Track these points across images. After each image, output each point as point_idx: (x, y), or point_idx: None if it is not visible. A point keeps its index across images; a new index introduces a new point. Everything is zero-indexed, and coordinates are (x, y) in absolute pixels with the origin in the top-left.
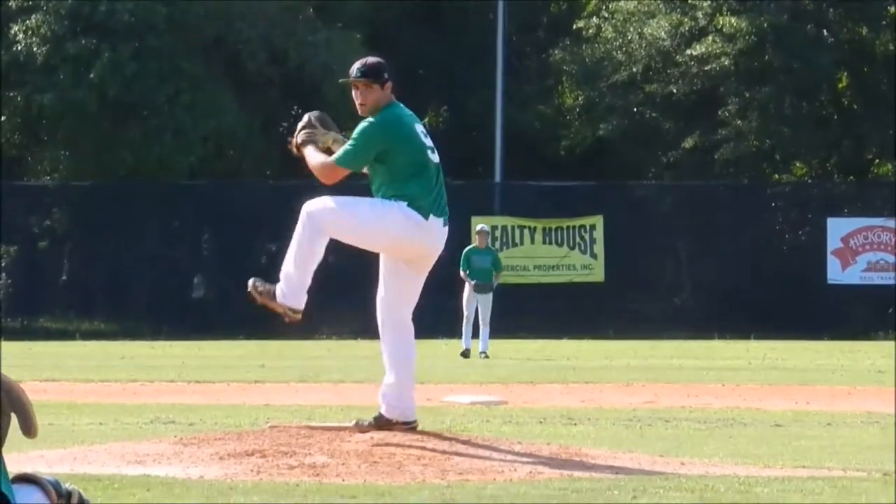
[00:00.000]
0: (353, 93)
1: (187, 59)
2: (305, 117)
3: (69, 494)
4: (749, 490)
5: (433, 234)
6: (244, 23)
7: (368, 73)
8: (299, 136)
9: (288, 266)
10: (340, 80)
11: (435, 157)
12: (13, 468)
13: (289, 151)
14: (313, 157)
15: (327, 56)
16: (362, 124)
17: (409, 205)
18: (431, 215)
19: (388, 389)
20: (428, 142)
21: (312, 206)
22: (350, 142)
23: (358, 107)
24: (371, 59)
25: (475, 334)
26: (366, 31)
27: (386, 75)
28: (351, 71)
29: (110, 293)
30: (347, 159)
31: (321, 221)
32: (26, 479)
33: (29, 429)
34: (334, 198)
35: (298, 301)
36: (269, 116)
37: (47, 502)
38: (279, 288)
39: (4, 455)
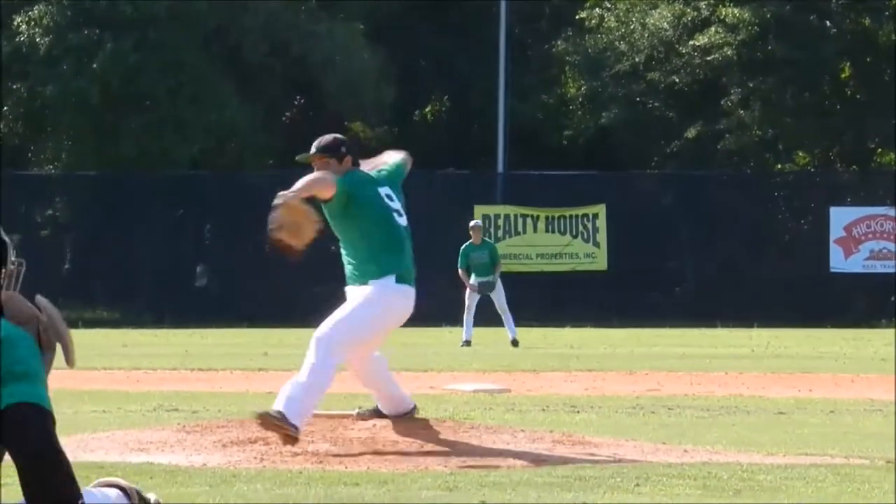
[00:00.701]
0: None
1: (189, 50)
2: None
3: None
4: (752, 477)
5: (412, 301)
6: (246, 14)
7: (325, 149)
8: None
9: (296, 390)
10: (298, 158)
11: (402, 221)
12: None
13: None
14: (294, 186)
15: (329, 48)
16: (348, 176)
17: (396, 280)
18: (408, 286)
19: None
20: (395, 205)
21: (320, 332)
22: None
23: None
24: (327, 137)
25: (491, 323)
26: (368, 22)
27: (344, 149)
28: (310, 151)
29: (113, 282)
30: (342, 182)
31: (330, 341)
32: (109, 484)
33: (70, 359)
34: (335, 317)
35: (300, 424)
36: (271, 108)
37: (127, 502)
38: (281, 410)
39: None
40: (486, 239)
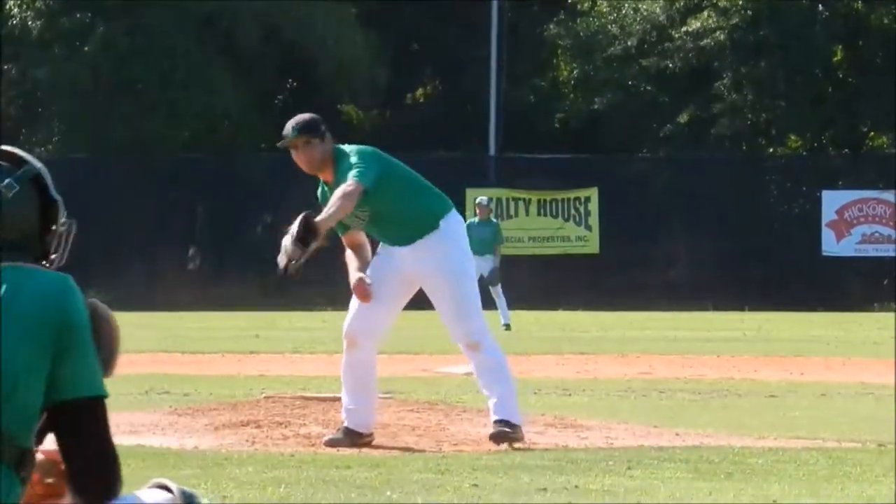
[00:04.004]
0: (294, 155)
1: (181, 34)
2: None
3: None
4: (743, 461)
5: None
6: None
7: (305, 129)
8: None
9: (500, 392)
10: (279, 144)
11: None
12: None
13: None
14: (331, 208)
15: (322, 31)
16: (352, 155)
17: (452, 211)
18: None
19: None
20: None
21: (465, 338)
22: (349, 167)
23: (304, 166)
24: (303, 116)
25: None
26: (360, 5)
27: (323, 127)
28: (286, 132)
29: (105, 264)
30: (365, 176)
31: (475, 335)
32: (160, 486)
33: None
34: (456, 311)
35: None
36: (264, 91)
37: None
38: (505, 419)
39: None
40: (493, 219)
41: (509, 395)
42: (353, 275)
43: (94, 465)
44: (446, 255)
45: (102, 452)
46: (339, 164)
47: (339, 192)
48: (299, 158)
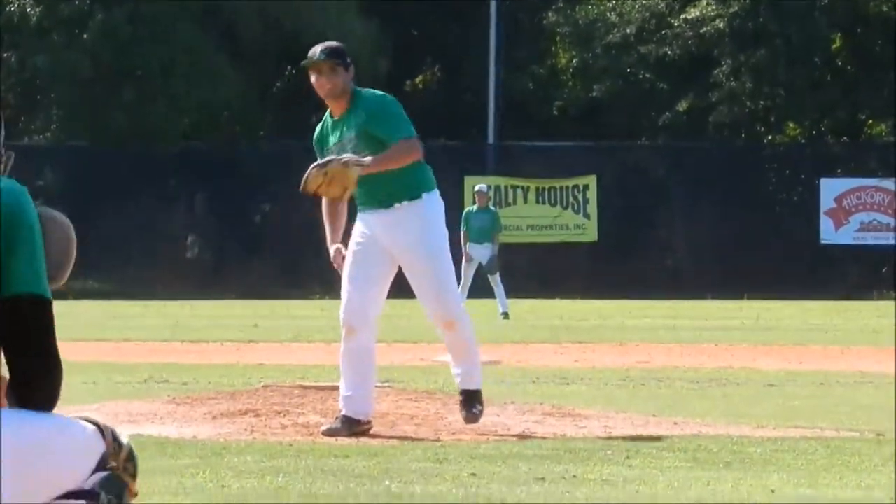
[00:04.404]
0: (316, 78)
1: (182, 24)
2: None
3: (121, 445)
4: (742, 450)
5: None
6: None
7: (334, 54)
8: (336, 164)
9: (469, 366)
10: (303, 63)
11: None
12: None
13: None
14: (387, 155)
15: (323, 23)
16: (383, 105)
17: (435, 190)
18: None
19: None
20: None
21: (442, 316)
22: (392, 119)
23: (325, 90)
24: (332, 42)
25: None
26: None
27: (349, 59)
28: (313, 54)
29: (104, 253)
30: (411, 128)
31: (452, 314)
32: (85, 419)
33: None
34: (433, 289)
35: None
36: (264, 82)
37: (101, 442)
38: (472, 389)
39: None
40: (492, 207)
41: (475, 367)
42: (331, 245)
43: (35, 370)
44: (424, 230)
45: (44, 356)
46: (357, 102)
47: (404, 145)
48: (321, 83)
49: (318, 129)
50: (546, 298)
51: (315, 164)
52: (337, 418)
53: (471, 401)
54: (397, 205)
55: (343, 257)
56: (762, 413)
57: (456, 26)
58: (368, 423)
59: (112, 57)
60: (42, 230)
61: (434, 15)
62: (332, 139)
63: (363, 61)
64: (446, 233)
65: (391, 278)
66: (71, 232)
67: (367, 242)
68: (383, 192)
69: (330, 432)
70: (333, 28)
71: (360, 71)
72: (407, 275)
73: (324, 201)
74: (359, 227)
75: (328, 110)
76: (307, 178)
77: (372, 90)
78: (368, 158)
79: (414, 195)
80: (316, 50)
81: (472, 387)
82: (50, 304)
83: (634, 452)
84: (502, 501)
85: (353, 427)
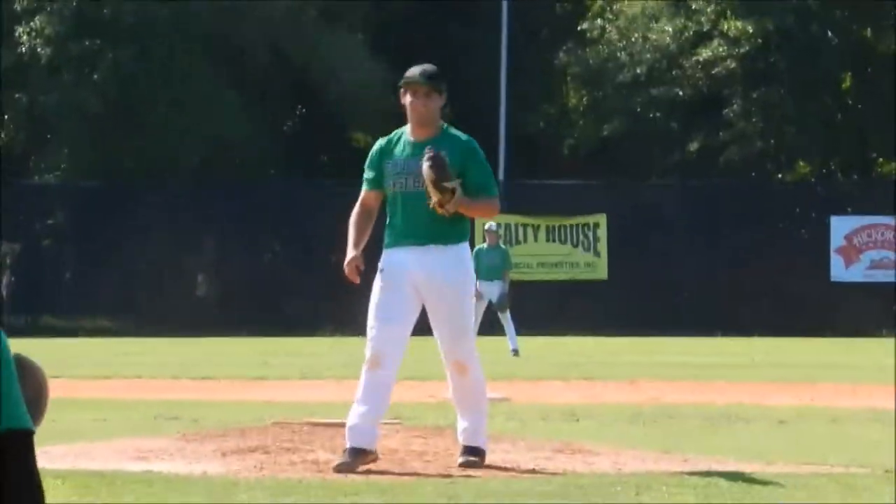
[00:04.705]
0: (411, 100)
1: (191, 60)
2: (434, 161)
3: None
4: (752, 487)
5: None
6: (248, 24)
7: (434, 78)
8: (458, 188)
9: (479, 420)
10: (402, 83)
11: None
12: None
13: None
14: (476, 204)
15: (331, 58)
16: (477, 151)
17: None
18: None
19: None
20: None
21: (458, 355)
22: (486, 170)
23: (418, 113)
24: (431, 66)
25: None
26: (370, 33)
27: (445, 86)
28: (412, 75)
29: (114, 291)
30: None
31: (471, 357)
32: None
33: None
34: (456, 328)
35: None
36: (273, 117)
37: None
38: (480, 448)
39: None
40: (501, 244)
41: (480, 422)
42: (350, 251)
43: (20, 499)
44: (456, 273)
45: (28, 487)
46: (446, 135)
47: (495, 203)
48: (415, 105)
49: (384, 140)
50: (556, 336)
51: (455, 182)
52: (345, 452)
53: (472, 454)
54: (432, 246)
55: (358, 268)
56: (773, 450)
57: (466, 64)
58: (374, 452)
59: (121, 94)
60: (19, 376)
61: (444, 52)
62: (403, 156)
63: (372, 98)
64: (475, 280)
65: (417, 315)
66: (44, 376)
67: (398, 278)
68: (423, 231)
69: (342, 468)
70: (343, 64)
71: (368, 108)
72: (430, 313)
73: (358, 207)
74: (389, 261)
75: (404, 128)
76: (443, 189)
77: (457, 129)
78: (465, 199)
79: (449, 241)
80: (415, 71)
81: (476, 443)
82: (32, 434)
83: (645, 489)
84: None
85: (361, 458)
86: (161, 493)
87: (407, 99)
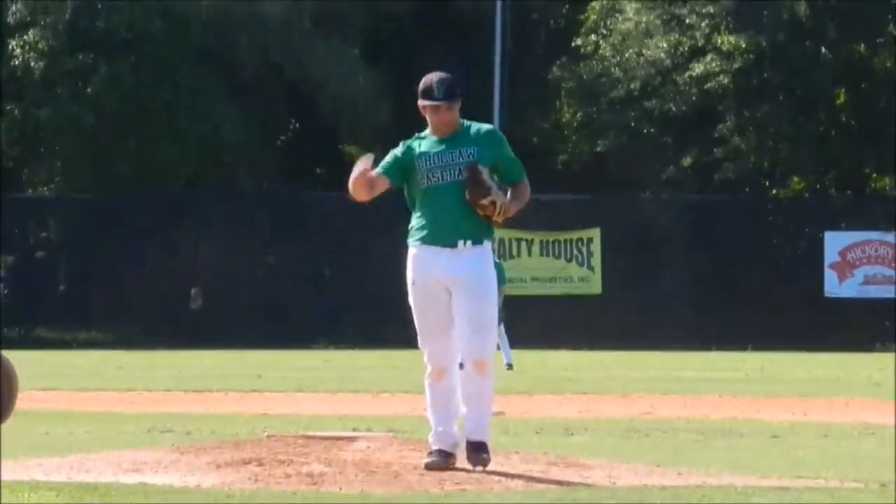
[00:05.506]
0: (435, 116)
1: (185, 70)
2: (469, 178)
3: None
4: (746, 500)
5: None
6: (242, 35)
7: (452, 93)
8: (498, 198)
9: (484, 417)
10: (424, 104)
11: None
12: (9, 475)
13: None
14: (517, 200)
15: (325, 68)
16: (500, 140)
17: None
18: None
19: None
20: None
21: (480, 353)
22: (514, 158)
23: (444, 125)
24: (446, 76)
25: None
26: (364, 43)
27: (459, 90)
28: (429, 92)
29: (108, 303)
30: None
31: (489, 356)
32: None
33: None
34: (480, 326)
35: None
36: (267, 127)
37: None
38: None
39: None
40: (496, 259)
41: (485, 419)
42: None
43: None
44: (483, 271)
45: None
46: (467, 128)
47: (525, 189)
48: (439, 119)
49: (406, 144)
50: (550, 350)
51: (495, 194)
52: (431, 453)
53: (478, 449)
54: (461, 244)
55: (370, 163)
56: (766, 464)
57: (460, 77)
58: (455, 456)
59: (115, 108)
60: None
61: (438, 65)
62: (435, 152)
63: (366, 108)
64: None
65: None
66: (12, 374)
67: (430, 283)
68: (452, 229)
69: (433, 466)
70: (336, 74)
71: (361, 119)
72: (456, 310)
73: (364, 181)
74: (417, 265)
75: (424, 132)
76: (488, 201)
77: (481, 123)
78: (509, 205)
79: (477, 240)
80: (433, 87)
81: (481, 438)
82: None
83: (638, 502)
84: None
85: (450, 460)
86: None
87: (430, 114)
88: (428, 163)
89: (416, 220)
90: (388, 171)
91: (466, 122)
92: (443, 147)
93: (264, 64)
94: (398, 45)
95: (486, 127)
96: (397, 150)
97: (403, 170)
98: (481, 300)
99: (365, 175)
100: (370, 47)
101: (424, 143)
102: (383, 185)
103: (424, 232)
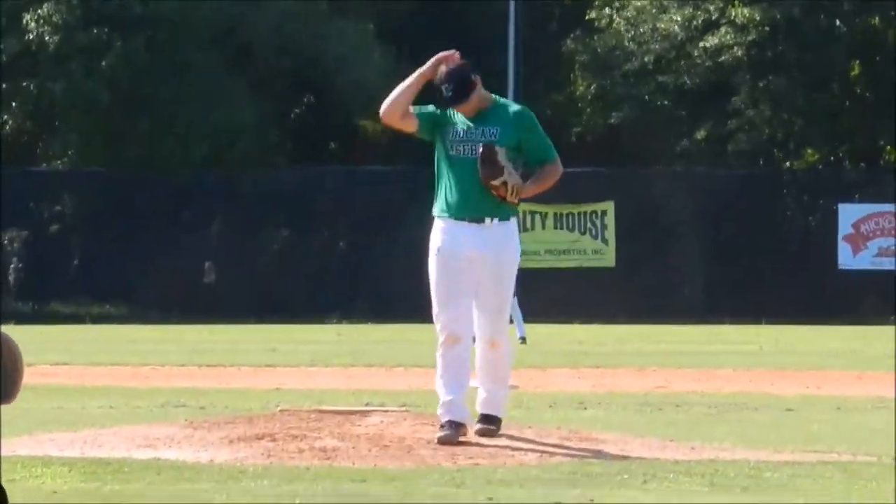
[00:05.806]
0: (456, 110)
1: (199, 50)
2: (482, 158)
3: None
4: (759, 475)
5: None
6: (256, 14)
7: (469, 89)
8: (510, 179)
9: (502, 392)
10: (443, 107)
11: None
12: (22, 450)
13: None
14: (539, 181)
15: (340, 48)
16: (531, 119)
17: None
18: None
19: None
20: None
21: (498, 333)
22: (544, 137)
23: (471, 113)
24: (458, 70)
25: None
26: (378, 22)
27: (473, 76)
28: (448, 93)
29: (121, 277)
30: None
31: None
32: None
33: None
34: (500, 303)
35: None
36: (281, 107)
37: None
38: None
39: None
40: None
41: (500, 393)
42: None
43: None
44: (508, 250)
45: None
46: (496, 106)
47: (554, 173)
48: (462, 109)
49: (440, 108)
50: (564, 323)
51: (508, 175)
52: (443, 426)
53: (486, 421)
54: (488, 220)
55: (457, 56)
56: (779, 438)
57: (474, 52)
58: (466, 426)
59: (129, 83)
60: None
61: (451, 41)
62: (464, 127)
63: (380, 87)
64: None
65: (476, 287)
66: (17, 353)
67: (455, 256)
68: (478, 204)
69: (445, 440)
70: (351, 54)
71: (375, 96)
72: (479, 286)
73: (405, 103)
74: (444, 238)
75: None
76: (499, 182)
77: (514, 103)
78: (525, 188)
79: (503, 217)
80: (449, 86)
81: (492, 412)
82: None
83: (651, 477)
84: None
85: (461, 430)
86: (169, 481)
87: (452, 110)
88: (455, 135)
89: (442, 192)
90: (421, 116)
91: (501, 100)
92: (470, 123)
93: (278, 42)
94: (412, 22)
95: (516, 107)
96: (437, 109)
97: (433, 126)
98: (500, 282)
99: (447, 60)
100: (385, 24)
101: (455, 115)
102: (411, 124)
103: (452, 206)
